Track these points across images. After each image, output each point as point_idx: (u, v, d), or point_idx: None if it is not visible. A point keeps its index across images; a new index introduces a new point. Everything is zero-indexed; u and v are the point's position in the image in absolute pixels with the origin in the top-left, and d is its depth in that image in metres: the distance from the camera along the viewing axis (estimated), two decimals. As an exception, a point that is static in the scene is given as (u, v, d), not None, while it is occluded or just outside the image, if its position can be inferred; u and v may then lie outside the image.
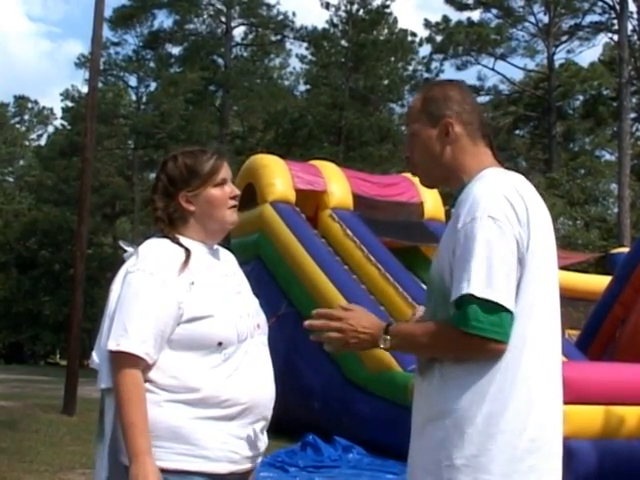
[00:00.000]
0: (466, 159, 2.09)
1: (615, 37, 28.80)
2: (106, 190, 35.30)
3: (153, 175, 29.22)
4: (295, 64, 43.71)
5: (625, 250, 11.62)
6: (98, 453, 2.20)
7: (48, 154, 38.80)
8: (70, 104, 39.05)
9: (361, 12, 32.44)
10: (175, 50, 35.92)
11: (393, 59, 33.30)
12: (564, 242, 23.79)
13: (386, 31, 33.22)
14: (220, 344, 2.17)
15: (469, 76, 38.35)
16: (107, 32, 33.49)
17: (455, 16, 33.23)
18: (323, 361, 8.96)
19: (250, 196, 10.26)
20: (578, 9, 32.37)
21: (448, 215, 2.18)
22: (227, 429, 2.16)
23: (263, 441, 2.28)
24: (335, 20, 32.52)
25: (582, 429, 6.01)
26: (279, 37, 35.71)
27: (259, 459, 2.29)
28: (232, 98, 33.80)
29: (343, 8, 32.23)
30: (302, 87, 37.76)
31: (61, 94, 40.56)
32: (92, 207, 21.77)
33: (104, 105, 32.62)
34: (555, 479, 1.99)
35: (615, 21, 28.76)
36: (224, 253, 2.43)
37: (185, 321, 2.16)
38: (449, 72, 33.26)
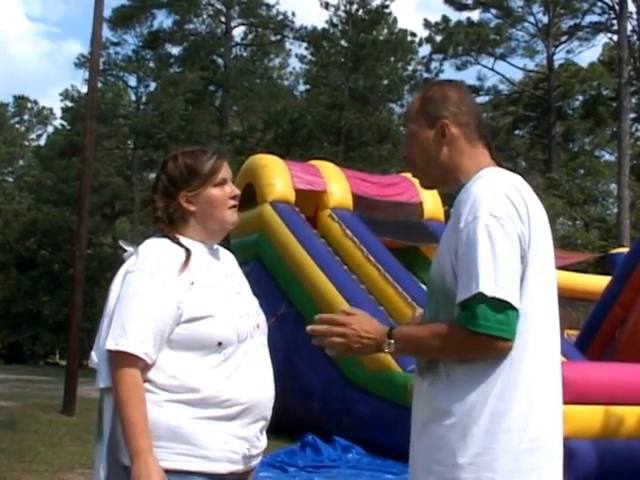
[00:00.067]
0: (463, 160, 2.10)
1: (614, 37, 28.81)
2: (106, 190, 35.30)
3: (153, 175, 29.26)
4: (295, 64, 43.72)
5: (624, 250, 11.63)
6: (97, 453, 2.19)
7: (48, 154, 38.79)
8: (70, 104, 39.05)
9: (361, 12, 32.45)
10: (175, 50, 35.99)
11: (393, 59, 33.30)
12: (563, 242, 23.79)
13: (386, 31, 33.23)
14: (220, 344, 2.16)
15: (469, 76, 38.46)
16: (107, 32, 33.52)
17: (455, 16, 33.31)
18: (322, 361, 8.95)
19: (250, 196, 10.26)
20: (577, 9, 32.37)
21: (447, 215, 2.18)
22: (227, 429, 2.16)
23: (263, 441, 2.28)
24: (335, 20, 32.56)
25: (582, 429, 6.01)
26: (279, 37, 35.71)
27: (259, 459, 2.29)
28: (232, 98, 33.80)
29: (343, 8, 32.27)
30: (302, 87, 37.83)
31: (61, 94, 40.63)
32: (92, 207, 21.76)
33: (104, 105, 32.62)
34: (556, 478, 2.00)
35: (614, 21, 28.75)
36: (224, 253, 2.42)
37: (185, 321, 2.16)
38: (449, 72, 33.33)
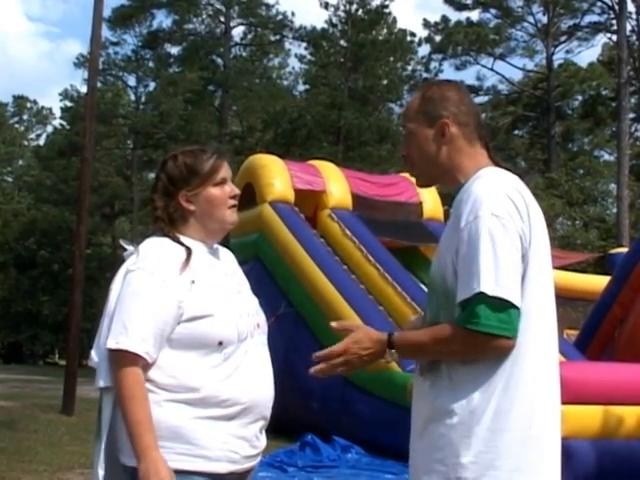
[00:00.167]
0: (462, 160, 2.10)
1: (614, 37, 28.80)
2: (105, 190, 35.27)
3: (152, 175, 29.20)
4: (294, 64, 43.67)
5: (624, 250, 11.61)
6: (96, 452, 2.19)
7: (47, 154, 38.77)
8: (69, 104, 39.02)
9: (360, 12, 32.44)
10: (174, 50, 35.97)
11: (392, 59, 33.30)
12: (563, 242, 23.80)
13: (385, 31, 33.23)
14: (220, 343, 2.16)
15: (468, 76, 38.31)
16: (106, 32, 33.48)
17: (454, 16, 33.31)
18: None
19: (249, 196, 10.25)
20: (577, 9, 32.37)
21: (447, 215, 2.18)
22: (227, 429, 2.16)
23: (262, 441, 2.28)
24: (334, 20, 32.55)
25: (581, 429, 6.01)
26: (278, 37, 35.68)
27: (258, 459, 2.29)
28: (231, 98, 33.79)
29: (342, 8, 32.26)
30: (301, 87, 37.80)
31: (60, 94, 40.60)
32: (91, 207, 21.76)
33: (103, 105, 32.60)
34: (555, 477, 2.00)
35: (614, 21, 28.74)
36: (224, 252, 2.42)
37: (185, 320, 2.16)
38: (448, 72, 33.33)
